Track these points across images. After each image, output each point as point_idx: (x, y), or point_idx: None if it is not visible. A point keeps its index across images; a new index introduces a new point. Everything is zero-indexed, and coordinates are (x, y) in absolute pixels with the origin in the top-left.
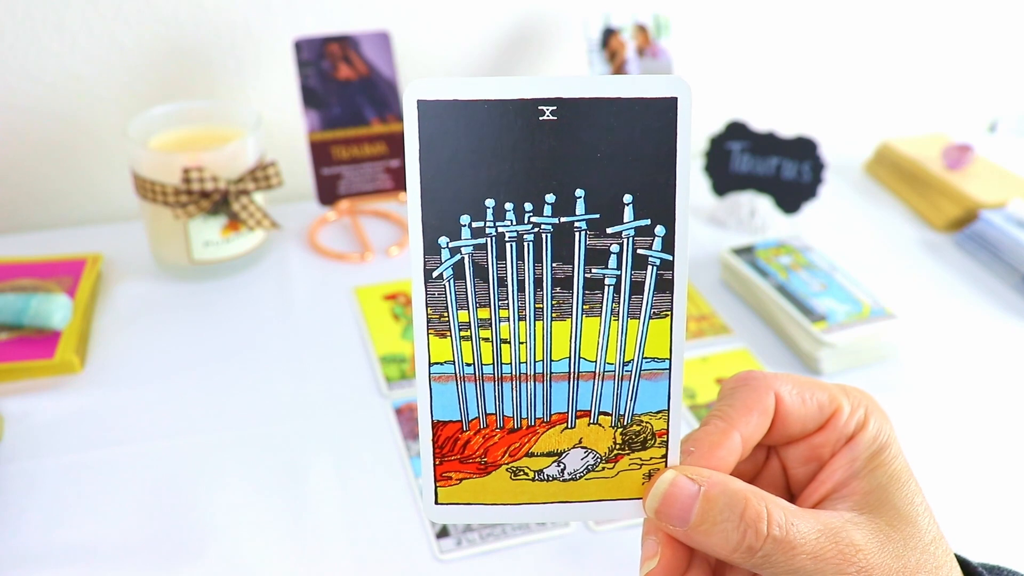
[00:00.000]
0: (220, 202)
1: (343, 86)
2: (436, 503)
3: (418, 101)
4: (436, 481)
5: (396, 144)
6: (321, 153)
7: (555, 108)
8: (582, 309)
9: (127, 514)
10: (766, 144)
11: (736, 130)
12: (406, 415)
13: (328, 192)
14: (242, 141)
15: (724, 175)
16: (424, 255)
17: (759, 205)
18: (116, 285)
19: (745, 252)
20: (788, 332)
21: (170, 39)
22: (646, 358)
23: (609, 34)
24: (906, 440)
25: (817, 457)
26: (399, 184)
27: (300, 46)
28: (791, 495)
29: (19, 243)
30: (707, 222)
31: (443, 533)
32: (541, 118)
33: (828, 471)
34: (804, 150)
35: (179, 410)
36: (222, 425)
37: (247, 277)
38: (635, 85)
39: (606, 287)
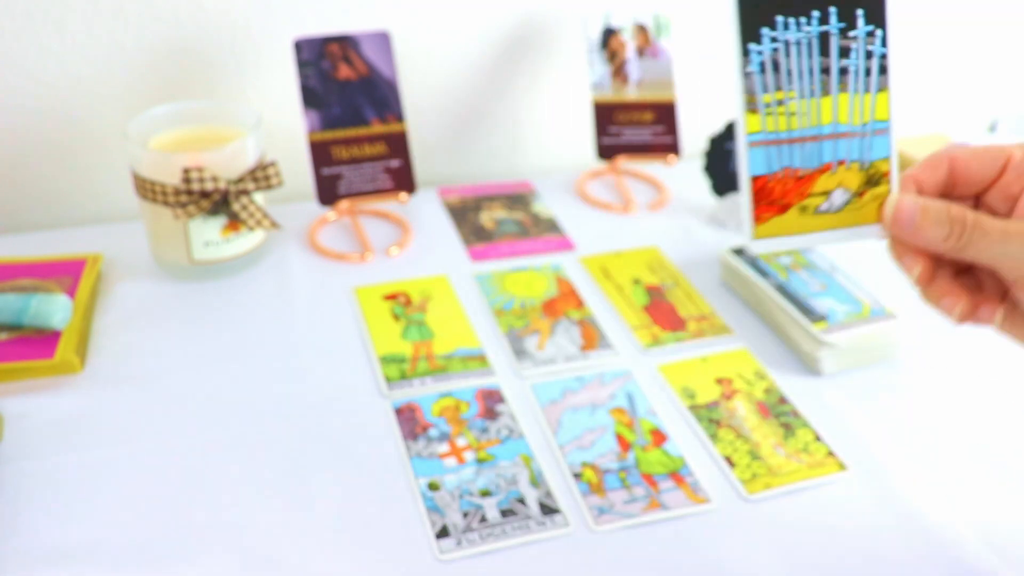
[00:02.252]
0: (220, 202)
1: (343, 86)
2: (753, 238)
3: None
4: (754, 221)
5: (396, 144)
6: (321, 153)
7: None
8: (838, 88)
9: (127, 514)
10: None
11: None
12: (406, 415)
13: (328, 192)
14: (242, 141)
15: (724, 175)
16: (740, 57)
17: None
18: (116, 285)
19: (745, 252)
20: (788, 332)
21: (170, 39)
22: (876, 120)
23: (609, 34)
24: (906, 440)
25: (1011, 196)
26: (399, 184)
27: (300, 46)
28: None
29: (19, 243)
30: (707, 222)
31: (443, 533)
32: None
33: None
34: None
35: (179, 410)
36: (222, 425)
37: (247, 277)
38: None
39: (851, 72)
